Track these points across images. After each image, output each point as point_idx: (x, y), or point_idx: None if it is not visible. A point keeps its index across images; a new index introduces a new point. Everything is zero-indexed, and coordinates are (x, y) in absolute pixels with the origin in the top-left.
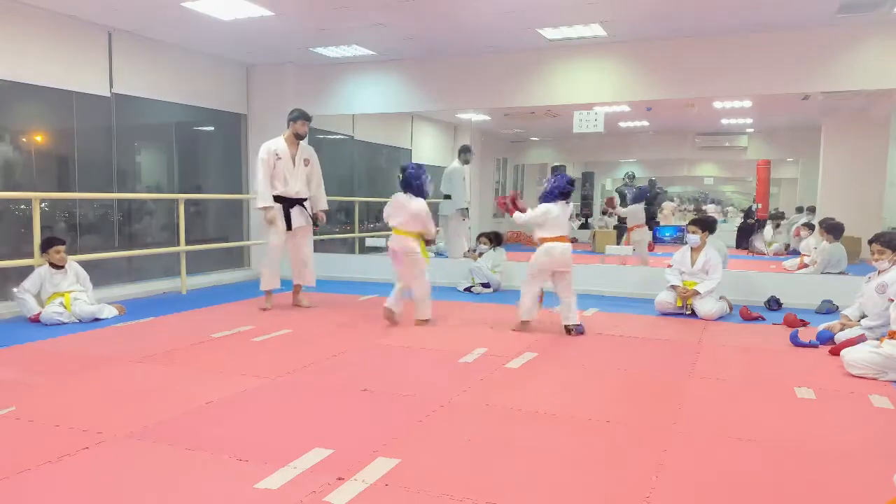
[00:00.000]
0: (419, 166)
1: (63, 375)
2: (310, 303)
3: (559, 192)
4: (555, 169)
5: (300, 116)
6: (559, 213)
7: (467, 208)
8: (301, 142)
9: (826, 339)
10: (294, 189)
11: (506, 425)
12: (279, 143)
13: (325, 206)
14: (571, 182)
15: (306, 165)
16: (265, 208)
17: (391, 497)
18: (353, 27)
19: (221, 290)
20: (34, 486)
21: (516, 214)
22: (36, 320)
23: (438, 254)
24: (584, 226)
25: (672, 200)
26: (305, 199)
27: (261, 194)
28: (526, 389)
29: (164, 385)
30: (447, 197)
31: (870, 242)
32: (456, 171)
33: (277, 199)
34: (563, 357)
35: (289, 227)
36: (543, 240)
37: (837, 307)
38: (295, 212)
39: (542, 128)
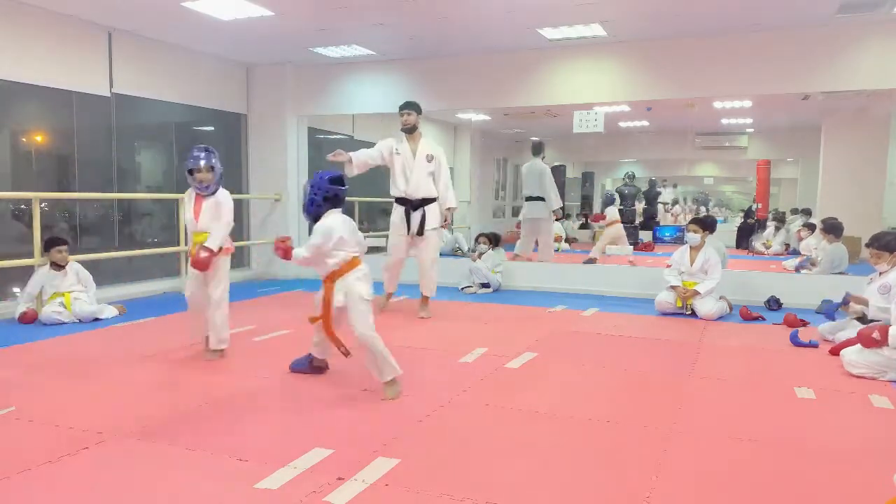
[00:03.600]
0: None
1: (63, 375)
2: (427, 314)
3: (325, 198)
4: (554, 169)
5: (400, 107)
6: (343, 226)
7: (563, 207)
8: (423, 137)
9: (831, 311)
10: (414, 187)
11: (506, 425)
12: (401, 139)
13: (452, 204)
14: (337, 180)
15: (429, 161)
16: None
17: (391, 497)
18: (353, 27)
19: None
20: (34, 486)
21: (294, 253)
22: (28, 321)
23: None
24: (584, 226)
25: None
26: (434, 200)
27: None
28: (526, 389)
29: (164, 385)
30: (537, 199)
31: (866, 246)
32: (547, 171)
33: (400, 200)
34: (563, 357)
35: (419, 231)
36: (344, 269)
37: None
38: (416, 215)
39: (542, 128)
